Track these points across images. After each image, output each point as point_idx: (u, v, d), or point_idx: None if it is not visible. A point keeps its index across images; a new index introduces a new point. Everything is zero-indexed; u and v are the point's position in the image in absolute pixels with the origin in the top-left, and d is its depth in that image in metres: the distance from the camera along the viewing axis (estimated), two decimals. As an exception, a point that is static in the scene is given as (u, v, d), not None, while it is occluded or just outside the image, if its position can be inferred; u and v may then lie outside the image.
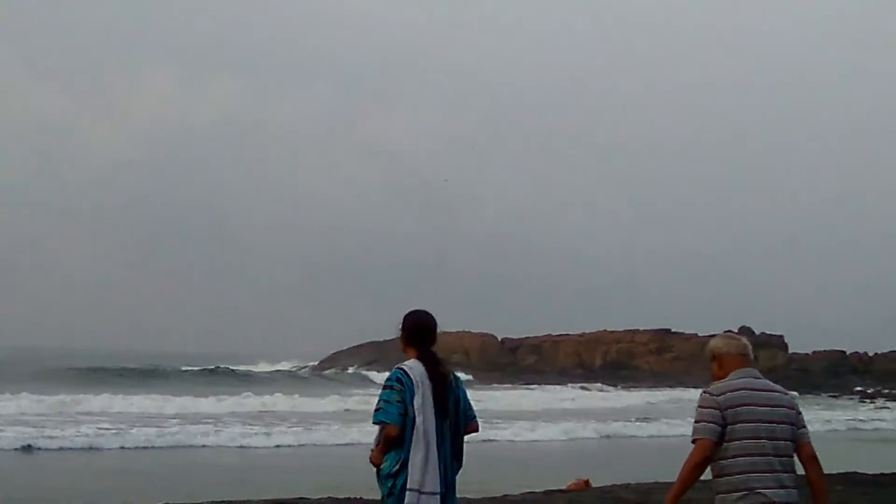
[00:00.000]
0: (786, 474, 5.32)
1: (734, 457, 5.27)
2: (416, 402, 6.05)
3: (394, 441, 6.04)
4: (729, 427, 5.27)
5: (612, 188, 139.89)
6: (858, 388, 68.38)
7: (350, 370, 75.16)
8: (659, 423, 35.10)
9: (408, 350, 6.31)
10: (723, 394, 5.34)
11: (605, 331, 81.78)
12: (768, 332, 78.48)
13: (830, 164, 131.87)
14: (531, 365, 78.60)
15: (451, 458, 6.20)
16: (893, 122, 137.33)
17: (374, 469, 6.16)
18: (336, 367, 79.97)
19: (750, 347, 5.59)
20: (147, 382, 49.78)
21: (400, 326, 6.35)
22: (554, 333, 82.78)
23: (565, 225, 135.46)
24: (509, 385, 65.26)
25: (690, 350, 74.94)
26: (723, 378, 5.45)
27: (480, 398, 35.80)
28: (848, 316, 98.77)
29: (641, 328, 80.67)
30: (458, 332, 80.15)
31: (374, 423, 6.13)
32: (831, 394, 65.72)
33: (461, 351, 79.04)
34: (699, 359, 61.13)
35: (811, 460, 5.45)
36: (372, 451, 6.17)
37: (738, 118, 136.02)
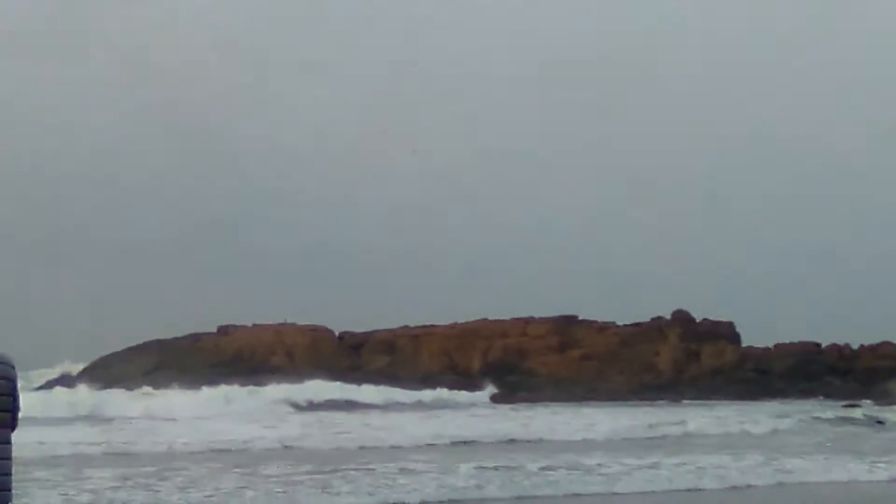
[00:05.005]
0: None
1: None
2: None
3: None
4: None
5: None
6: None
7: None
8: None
9: None
10: None
11: (486, 320, 59.85)
12: (713, 319, 58.62)
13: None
14: (382, 368, 56.44)
15: None
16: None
17: None
18: (102, 380, 52.18)
19: None
20: None
21: None
22: (413, 325, 60.46)
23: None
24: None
25: (604, 345, 59.68)
26: None
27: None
28: (822, 297, 68.45)
29: (536, 315, 59.67)
30: (277, 324, 60.24)
31: None
32: (800, 401, 48.48)
33: (282, 351, 58.81)
34: (617, 357, 58.72)
35: None
36: None
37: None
